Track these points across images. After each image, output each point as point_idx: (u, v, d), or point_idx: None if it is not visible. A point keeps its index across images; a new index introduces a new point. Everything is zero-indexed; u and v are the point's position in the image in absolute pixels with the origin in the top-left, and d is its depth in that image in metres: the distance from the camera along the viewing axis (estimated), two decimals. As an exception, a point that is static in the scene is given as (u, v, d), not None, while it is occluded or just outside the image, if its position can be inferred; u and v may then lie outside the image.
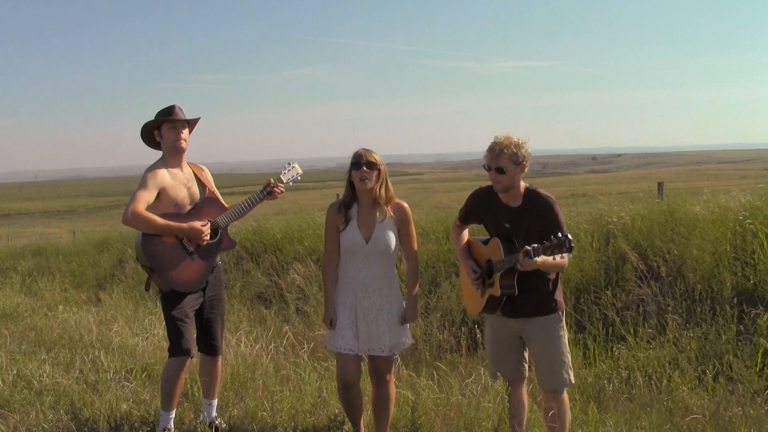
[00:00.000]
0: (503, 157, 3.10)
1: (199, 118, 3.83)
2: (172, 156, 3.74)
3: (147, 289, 3.86)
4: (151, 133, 3.78)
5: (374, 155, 3.41)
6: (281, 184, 3.89)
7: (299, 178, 3.99)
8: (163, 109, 3.73)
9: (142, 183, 3.61)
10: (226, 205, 3.89)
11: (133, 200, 3.54)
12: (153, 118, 3.73)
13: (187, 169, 3.81)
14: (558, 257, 2.92)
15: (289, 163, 4.00)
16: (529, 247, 2.94)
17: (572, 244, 2.87)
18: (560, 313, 3.29)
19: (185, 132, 3.74)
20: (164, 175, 3.66)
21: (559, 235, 2.90)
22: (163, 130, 3.71)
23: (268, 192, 3.84)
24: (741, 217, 5.29)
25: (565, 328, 3.32)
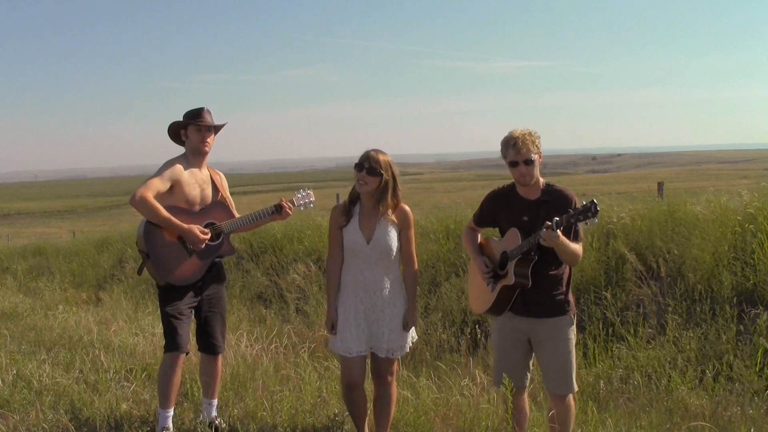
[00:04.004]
0: (526, 147, 3.14)
1: (225, 123, 3.92)
2: (194, 156, 3.84)
3: (139, 273, 3.92)
4: (177, 131, 3.86)
5: (381, 160, 3.37)
6: (292, 206, 3.98)
7: (311, 205, 4.10)
8: (191, 111, 3.81)
9: (158, 172, 3.72)
10: (235, 213, 3.97)
11: (145, 186, 3.64)
12: (181, 119, 3.81)
13: (205, 170, 3.91)
14: (575, 243, 3.06)
15: (304, 189, 4.12)
16: (550, 222, 2.95)
17: (598, 208, 2.88)
18: (572, 315, 3.28)
19: (211, 137, 3.85)
20: (181, 171, 3.75)
21: (584, 202, 2.93)
22: (189, 131, 3.80)
23: (279, 211, 3.94)
24: (741, 217, 5.28)
25: (575, 331, 3.30)
